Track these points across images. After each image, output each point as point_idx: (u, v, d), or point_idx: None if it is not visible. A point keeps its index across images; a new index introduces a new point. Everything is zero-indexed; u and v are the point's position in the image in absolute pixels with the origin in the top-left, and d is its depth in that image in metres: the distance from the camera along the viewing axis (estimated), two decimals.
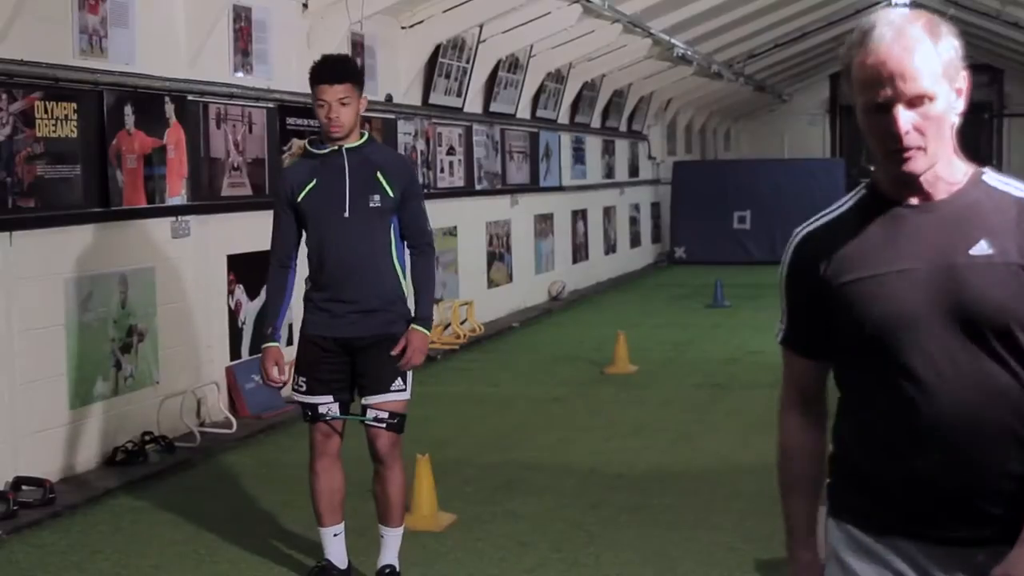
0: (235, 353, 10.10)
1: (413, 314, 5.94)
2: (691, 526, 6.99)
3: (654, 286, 20.51)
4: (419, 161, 13.72)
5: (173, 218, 9.31)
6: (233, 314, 10.08)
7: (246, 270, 10.17)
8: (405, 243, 5.95)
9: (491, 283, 16.06)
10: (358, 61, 12.07)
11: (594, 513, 7.28)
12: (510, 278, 16.71)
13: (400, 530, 6.02)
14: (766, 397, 10.66)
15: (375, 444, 5.90)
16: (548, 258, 18.32)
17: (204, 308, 9.66)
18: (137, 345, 8.85)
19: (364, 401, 5.92)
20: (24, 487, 7.52)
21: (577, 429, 9.61)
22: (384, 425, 5.89)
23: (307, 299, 5.98)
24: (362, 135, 5.92)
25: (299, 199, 5.85)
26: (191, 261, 9.50)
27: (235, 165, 10.06)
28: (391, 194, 5.82)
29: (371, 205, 5.79)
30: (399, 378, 5.91)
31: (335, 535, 6.01)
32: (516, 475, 8.16)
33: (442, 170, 14.50)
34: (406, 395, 5.97)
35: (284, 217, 5.95)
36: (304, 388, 5.94)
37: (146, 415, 8.90)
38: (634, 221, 23.54)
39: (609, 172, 21.88)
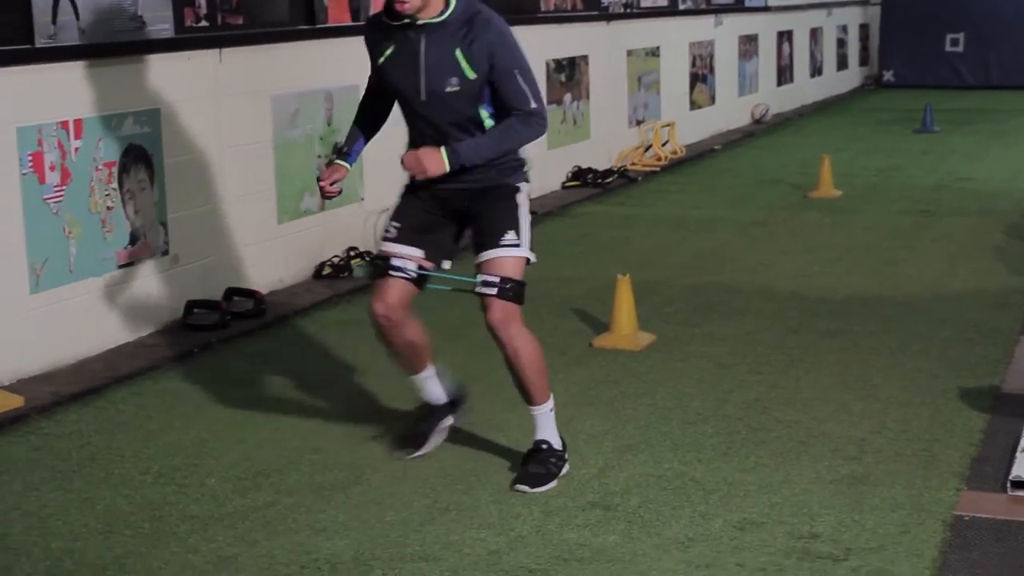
0: None
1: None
2: (893, 352, 6.90)
3: (860, 110, 20.03)
4: None
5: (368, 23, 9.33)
6: None
7: None
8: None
9: (693, 105, 15.86)
10: None
11: (795, 337, 7.23)
12: (712, 100, 16.48)
13: (545, 407, 5.22)
14: (974, 225, 10.43)
15: (486, 315, 5.05)
16: (752, 80, 17.99)
17: None
18: None
19: (477, 261, 5.14)
20: (236, 298, 7.76)
21: (779, 253, 9.51)
22: (495, 291, 5.02)
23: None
24: (446, 5, 5.01)
25: (379, 62, 5.17)
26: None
27: None
28: (470, 76, 4.96)
29: (447, 90, 4.98)
30: (512, 230, 5.08)
31: (426, 378, 5.45)
32: (716, 297, 8.14)
33: None
34: (521, 252, 5.10)
35: (371, 73, 5.33)
36: (393, 234, 5.21)
37: (351, 231, 9.07)
38: (841, 43, 22.92)
39: None
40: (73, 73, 6.80)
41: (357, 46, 9.16)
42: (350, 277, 8.64)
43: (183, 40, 7.52)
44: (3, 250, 6.44)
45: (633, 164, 13.52)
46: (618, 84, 13.70)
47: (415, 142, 5.20)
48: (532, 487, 5.11)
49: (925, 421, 5.84)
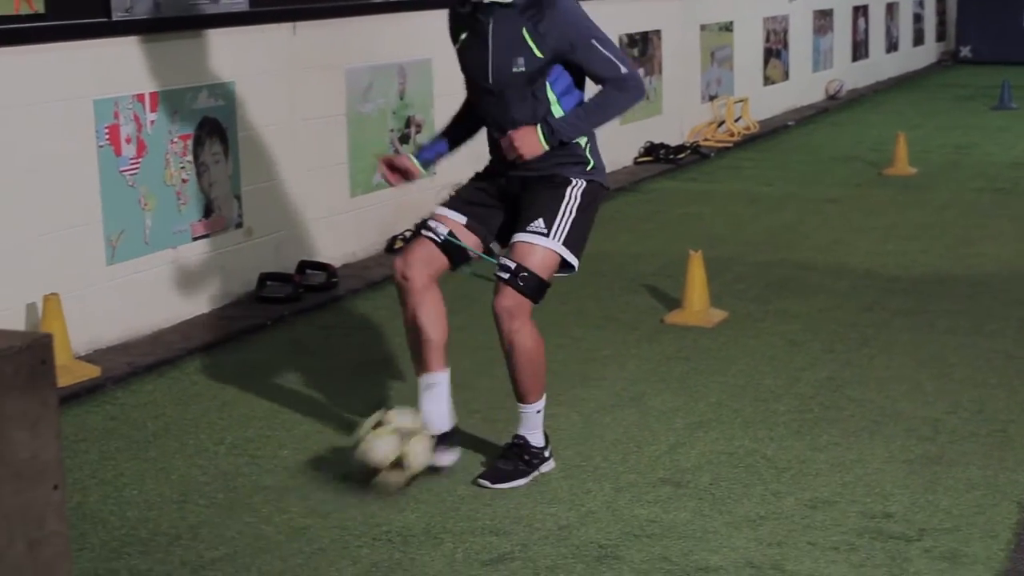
0: None
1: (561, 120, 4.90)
2: (968, 332, 6.83)
3: (937, 86, 19.80)
4: None
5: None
6: None
7: None
8: (576, 93, 4.98)
9: (767, 80, 15.74)
10: None
11: (868, 315, 7.18)
12: (786, 75, 16.35)
13: (532, 407, 4.98)
14: None
15: (494, 299, 4.82)
16: (826, 55, 17.82)
17: None
18: (415, 135, 9.00)
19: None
20: (309, 271, 7.80)
21: (853, 230, 9.44)
22: (507, 276, 4.78)
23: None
24: None
25: (456, 46, 5.09)
26: None
27: None
28: (538, 55, 4.82)
29: (514, 70, 4.85)
30: (543, 219, 4.83)
31: (427, 387, 4.97)
32: (789, 274, 8.09)
33: None
34: (548, 243, 4.82)
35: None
36: (445, 200, 5.15)
37: (423, 205, 9.08)
38: (918, 18, 22.65)
39: None
40: (149, 46, 6.85)
41: (431, 20, 9.20)
42: None
43: (257, 13, 7.56)
44: (80, 222, 6.51)
45: (706, 140, 13.45)
46: (691, 59, 13.62)
47: (487, 127, 5.14)
48: (492, 483, 4.89)
49: (1000, 402, 5.78)
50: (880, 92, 18.90)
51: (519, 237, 4.86)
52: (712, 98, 14.04)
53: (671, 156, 12.37)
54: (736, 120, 14.07)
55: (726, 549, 4.39)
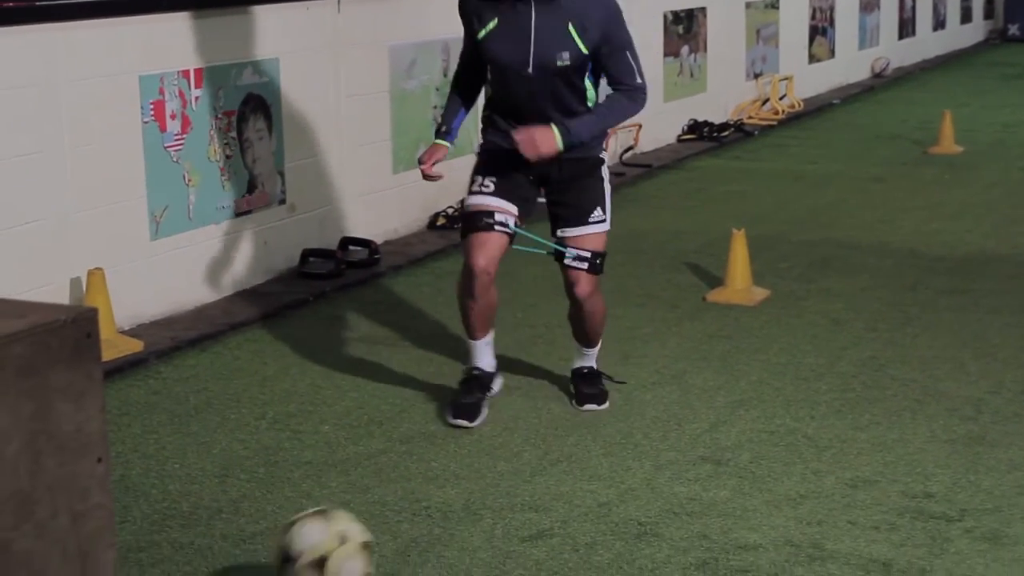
0: None
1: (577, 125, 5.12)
2: (1013, 312, 6.79)
3: (984, 64, 19.62)
4: None
5: None
6: None
7: None
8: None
9: (812, 58, 15.65)
10: None
11: (912, 295, 7.14)
12: (832, 53, 16.24)
13: (597, 347, 5.61)
14: None
15: (575, 288, 5.32)
16: (872, 33, 17.69)
17: None
18: None
19: (561, 233, 5.33)
20: (351, 247, 7.83)
21: (897, 209, 9.38)
22: (586, 266, 5.28)
23: (489, 120, 5.33)
24: None
25: (479, 36, 5.13)
26: None
27: None
28: (583, 50, 5.02)
29: (559, 64, 5.02)
30: (599, 207, 5.28)
31: (487, 344, 5.48)
32: (832, 253, 8.05)
33: None
34: (606, 226, 5.32)
35: (467, 44, 5.31)
36: (491, 188, 5.25)
37: (465, 182, 9.07)
38: None
39: None
40: (194, 23, 6.87)
41: None
42: None
43: None
44: (124, 197, 6.54)
45: (750, 118, 13.39)
46: (736, 37, 13.56)
47: (504, 111, 5.22)
48: (600, 404, 5.49)
49: None
50: (926, 70, 18.76)
51: (586, 230, 5.30)
52: (757, 76, 13.97)
53: (715, 134, 12.33)
54: (781, 98, 14.00)
55: (766, 527, 4.39)
